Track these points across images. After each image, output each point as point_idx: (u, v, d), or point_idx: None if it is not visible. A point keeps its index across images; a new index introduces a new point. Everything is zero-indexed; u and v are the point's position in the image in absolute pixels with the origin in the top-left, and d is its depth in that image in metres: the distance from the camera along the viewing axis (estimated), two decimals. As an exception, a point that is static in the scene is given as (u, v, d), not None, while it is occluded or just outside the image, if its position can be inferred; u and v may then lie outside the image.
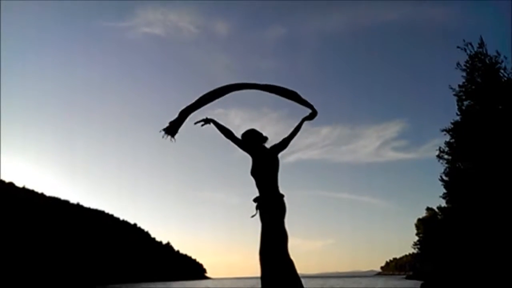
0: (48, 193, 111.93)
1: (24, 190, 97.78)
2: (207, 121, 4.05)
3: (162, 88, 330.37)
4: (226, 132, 3.93)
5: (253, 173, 3.83)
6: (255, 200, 3.76)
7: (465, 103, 19.04)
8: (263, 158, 3.82)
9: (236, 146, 3.90)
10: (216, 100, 4.14)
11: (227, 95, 4.14)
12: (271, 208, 3.63)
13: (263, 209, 3.67)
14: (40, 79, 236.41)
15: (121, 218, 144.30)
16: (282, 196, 3.73)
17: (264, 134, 3.98)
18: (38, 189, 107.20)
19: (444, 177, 22.16)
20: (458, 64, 18.66)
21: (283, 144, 3.87)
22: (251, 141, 3.91)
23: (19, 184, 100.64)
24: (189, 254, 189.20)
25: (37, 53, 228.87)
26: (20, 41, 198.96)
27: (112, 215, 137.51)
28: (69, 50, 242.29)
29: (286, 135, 3.96)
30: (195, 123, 4.07)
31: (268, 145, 3.94)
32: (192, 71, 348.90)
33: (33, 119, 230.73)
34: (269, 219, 3.59)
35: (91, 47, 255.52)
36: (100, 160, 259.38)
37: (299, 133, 4.00)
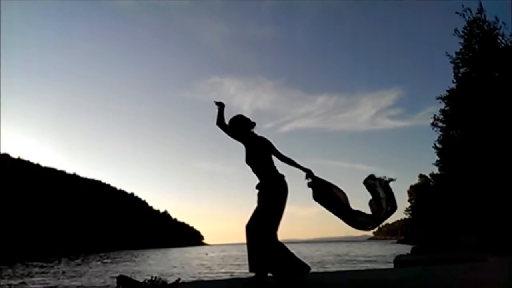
0: (44, 163, 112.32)
1: (19, 161, 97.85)
2: (221, 104, 3.92)
3: (159, 57, 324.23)
4: (220, 121, 3.84)
5: (248, 160, 3.79)
6: (257, 187, 3.71)
7: (462, 70, 18.90)
8: (255, 145, 3.76)
9: (226, 135, 3.83)
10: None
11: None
12: (272, 191, 3.60)
13: (264, 192, 3.63)
14: (40, 50, 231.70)
15: (118, 188, 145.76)
16: (283, 176, 3.69)
17: (252, 120, 3.86)
18: (34, 160, 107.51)
19: (437, 145, 22.37)
20: (456, 30, 18.35)
21: (271, 152, 3.75)
22: (240, 128, 3.82)
23: (14, 155, 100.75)
24: (186, 222, 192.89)
25: (38, 25, 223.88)
26: (20, 16, 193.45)
27: (109, 185, 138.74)
28: (68, 21, 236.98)
29: (275, 152, 3.76)
30: (215, 102, 3.91)
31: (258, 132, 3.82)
32: (189, 39, 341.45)
33: (33, 90, 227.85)
34: (265, 201, 3.57)
35: (90, 16, 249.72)
36: (97, 131, 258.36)
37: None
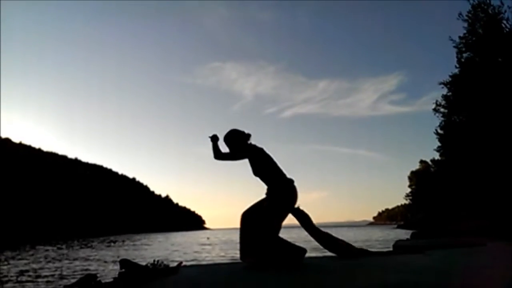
0: (46, 148, 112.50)
1: (21, 145, 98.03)
2: (214, 138, 3.87)
3: (159, 41, 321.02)
4: (217, 154, 3.82)
5: (256, 173, 3.73)
6: (267, 194, 3.67)
7: (465, 55, 18.72)
8: (257, 156, 3.71)
9: (230, 161, 3.79)
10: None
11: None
12: (281, 195, 3.57)
13: (272, 195, 3.61)
14: (39, 33, 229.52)
15: (120, 173, 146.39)
16: (292, 181, 3.66)
17: (246, 131, 3.79)
18: (35, 145, 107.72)
19: (439, 130, 22.33)
20: (460, 14, 18.11)
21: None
22: (237, 145, 3.75)
23: (16, 140, 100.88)
24: (188, 206, 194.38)
25: (37, 5, 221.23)
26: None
27: (110, 170, 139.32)
28: (68, 3, 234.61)
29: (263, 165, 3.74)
30: (210, 137, 3.88)
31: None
32: (189, 23, 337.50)
33: (33, 74, 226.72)
34: (271, 200, 3.56)
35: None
36: (98, 116, 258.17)
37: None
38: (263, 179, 3.73)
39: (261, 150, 3.77)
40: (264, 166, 3.71)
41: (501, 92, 15.27)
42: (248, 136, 3.79)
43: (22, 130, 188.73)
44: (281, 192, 3.62)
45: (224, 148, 3.88)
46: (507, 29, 16.74)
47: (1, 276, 9.55)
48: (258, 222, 3.50)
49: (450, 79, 20.00)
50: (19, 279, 8.94)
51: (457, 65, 19.20)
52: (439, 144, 23.06)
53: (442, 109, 21.30)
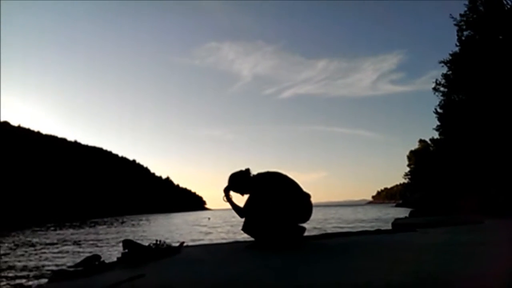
0: (45, 131, 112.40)
1: (19, 129, 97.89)
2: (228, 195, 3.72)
3: (156, 21, 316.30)
4: (240, 212, 3.63)
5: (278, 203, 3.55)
6: None
7: (465, 33, 18.51)
8: (269, 186, 3.53)
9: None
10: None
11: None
12: (301, 207, 3.51)
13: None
14: (39, 13, 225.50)
15: (120, 155, 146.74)
16: (309, 196, 3.59)
17: (244, 168, 3.65)
18: (34, 128, 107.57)
19: (438, 110, 22.29)
20: (461, -9, 17.81)
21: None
22: (245, 187, 3.61)
23: (14, 123, 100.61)
24: (188, 187, 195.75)
25: None
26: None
27: (110, 152, 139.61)
28: None
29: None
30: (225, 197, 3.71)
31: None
32: (186, 2, 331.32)
33: (33, 56, 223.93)
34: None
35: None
36: (97, 98, 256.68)
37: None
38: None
39: (268, 177, 3.59)
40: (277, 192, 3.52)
41: (501, 70, 15.16)
42: (247, 173, 3.66)
43: (21, 113, 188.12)
44: (301, 205, 3.55)
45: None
46: (508, 7, 16.49)
47: (4, 259, 9.70)
48: (263, 207, 3.49)
49: (450, 57, 19.84)
50: (19, 262, 9.09)
51: (458, 44, 19.01)
52: (438, 123, 23.07)
53: (442, 88, 21.22)
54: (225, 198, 3.69)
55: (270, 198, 3.45)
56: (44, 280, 5.32)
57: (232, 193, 3.71)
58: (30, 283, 5.83)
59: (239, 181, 3.64)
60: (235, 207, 3.65)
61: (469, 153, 17.68)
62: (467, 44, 18.15)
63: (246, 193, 3.63)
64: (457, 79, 19.07)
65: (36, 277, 6.54)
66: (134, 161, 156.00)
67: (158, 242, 3.55)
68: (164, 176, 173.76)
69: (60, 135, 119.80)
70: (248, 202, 3.57)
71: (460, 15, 18.27)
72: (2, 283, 6.07)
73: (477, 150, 16.85)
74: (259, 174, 3.63)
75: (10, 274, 6.95)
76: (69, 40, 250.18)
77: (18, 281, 6.28)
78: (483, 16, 17.05)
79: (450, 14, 18.42)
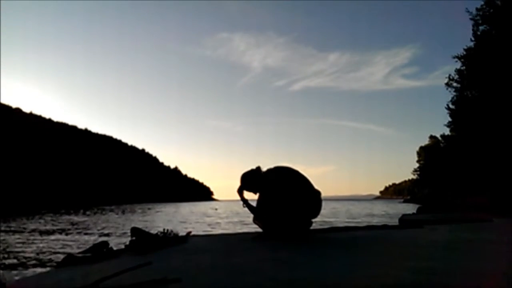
0: (56, 118, 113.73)
1: (31, 115, 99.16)
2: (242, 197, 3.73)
3: (167, 11, 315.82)
4: (255, 212, 3.63)
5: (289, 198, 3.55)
6: None
7: (481, 28, 18.15)
8: (279, 182, 3.52)
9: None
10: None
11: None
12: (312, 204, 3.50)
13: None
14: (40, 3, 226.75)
15: (130, 144, 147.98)
16: (319, 193, 3.56)
17: (255, 167, 3.66)
18: (46, 115, 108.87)
19: (450, 106, 22.01)
20: (478, -16, 17.41)
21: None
22: (257, 186, 3.60)
23: (26, 109, 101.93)
24: (196, 178, 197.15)
25: None
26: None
27: (120, 141, 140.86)
28: None
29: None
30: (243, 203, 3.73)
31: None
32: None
33: (48, 45, 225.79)
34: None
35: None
36: (109, 87, 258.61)
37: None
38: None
39: (276, 173, 3.57)
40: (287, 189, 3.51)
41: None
42: (258, 171, 3.66)
43: (33, 100, 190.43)
44: (311, 202, 3.55)
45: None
46: (528, 1, 16.08)
47: (14, 246, 9.89)
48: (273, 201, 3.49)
49: (464, 52, 19.49)
50: (29, 247, 9.26)
51: (473, 38, 18.65)
52: (450, 119, 22.79)
53: (455, 84, 20.91)
54: (242, 202, 3.70)
55: (281, 195, 3.44)
56: (53, 265, 5.43)
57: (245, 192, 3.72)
58: (40, 269, 5.96)
59: (251, 180, 3.65)
60: (250, 207, 3.66)
61: (481, 151, 17.44)
62: (482, 39, 17.80)
63: (259, 191, 3.62)
64: (471, 75, 18.75)
65: (45, 262, 6.68)
66: (143, 150, 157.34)
67: (166, 231, 3.59)
68: (172, 166, 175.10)
69: (71, 122, 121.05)
70: (260, 200, 3.57)
71: (477, 9, 17.92)
72: (13, 268, 6.21)
73: (488, 148, 16.61)
74: (269, 171, 3.61)
75: (21, 260, 7.11)
76: (83, 27, 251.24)
77: (27, 266, 6.42)
78: (501, 10, 16.66)
79: (466, 8, 18.07)
